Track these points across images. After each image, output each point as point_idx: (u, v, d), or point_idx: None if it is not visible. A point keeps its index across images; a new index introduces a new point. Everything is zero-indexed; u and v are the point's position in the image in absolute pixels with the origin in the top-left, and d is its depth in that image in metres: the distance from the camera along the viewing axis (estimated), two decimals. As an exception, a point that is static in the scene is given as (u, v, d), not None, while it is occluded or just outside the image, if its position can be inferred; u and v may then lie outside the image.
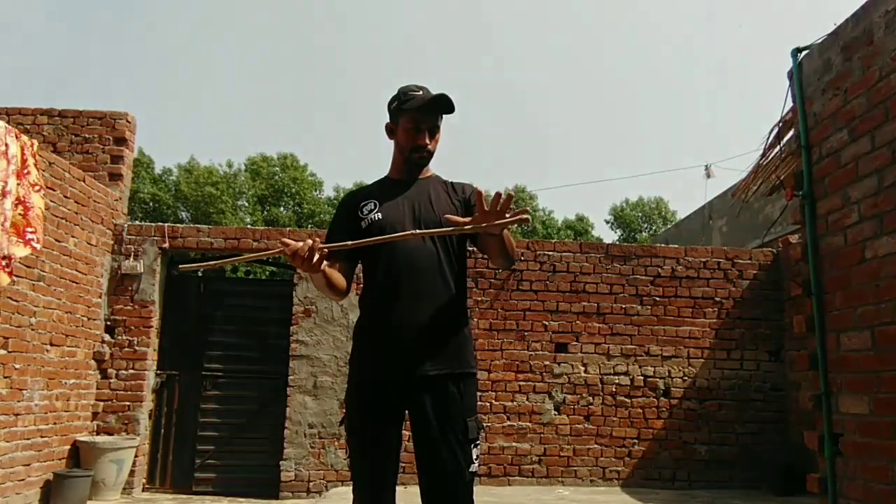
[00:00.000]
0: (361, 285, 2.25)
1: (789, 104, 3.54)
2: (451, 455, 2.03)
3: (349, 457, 2.15)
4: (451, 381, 2.08)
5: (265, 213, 27.71)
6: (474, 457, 2.07)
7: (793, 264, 6.39)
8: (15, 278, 4.87)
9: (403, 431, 2.14)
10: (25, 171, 4.81)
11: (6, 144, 4.62)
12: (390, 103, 2.26)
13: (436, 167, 2.36)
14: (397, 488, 2.13)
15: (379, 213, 2.17)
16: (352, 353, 2.24)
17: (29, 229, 4.77)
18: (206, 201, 25.37)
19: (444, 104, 2.19)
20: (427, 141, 2.22)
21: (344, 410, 2.19)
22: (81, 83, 44.78)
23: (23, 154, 4.81)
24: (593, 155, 49.49)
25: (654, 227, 31.27)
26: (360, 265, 2.25)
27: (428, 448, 2.06)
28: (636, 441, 6.48)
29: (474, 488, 2.10)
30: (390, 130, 2.28)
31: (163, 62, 47.94)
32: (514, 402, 6.46)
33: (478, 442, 2.10)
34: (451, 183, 2.32)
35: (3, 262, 4.51)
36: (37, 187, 4.94)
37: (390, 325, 2.09)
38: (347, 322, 6.40)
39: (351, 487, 2.14)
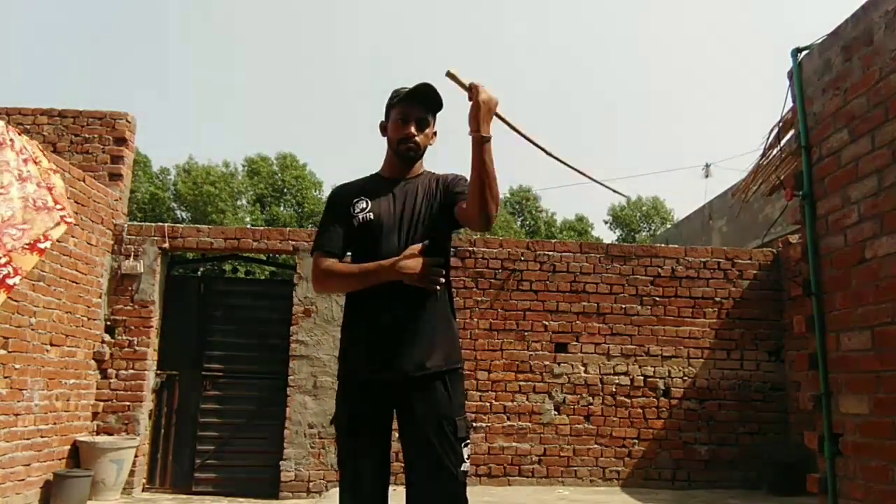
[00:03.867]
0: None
1: (789, 104, 3.54)
2: (443, 455, 2.01)
3: (338, 455, 2.14)
4: (438, 381, 2.07)
5: (265, 212, 27.72)
6: (465, 456, 2.05)
7: (793, 264, 6.39)
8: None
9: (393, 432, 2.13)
10: (37, 160, 4.97)
11: (11, 140, 4.71)
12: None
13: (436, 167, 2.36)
14: (390, 489, 2.12)
15: (370, 213, 2.16)
16: (339, 352, 2.24)
17: (58, 206, 4.91)
18: (205, 201, 25.32)
19: (427, 92, 2.19)
20: (414, 131, 2.21)
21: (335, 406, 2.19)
22: (81, 83, 44.80)
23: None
24: (593, 154, 49.48)
25: (652, 227, 31.29)
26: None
27: (417, 448, 2.05)
28: (636, 441, 6.48)
29: (468, 488, 2.08)
30: (383, 128, 2.30)
31: (162, 62, 47.96)
32: (514, 402, 6.47)
33: (468, 441, 2.08)
34: (440, 176, 2.29)
35: (33, 247, 4.68)
36: (53, 170, 5.17)
37: (375, 325, 2.09)
38: (347, 322, 6.39)
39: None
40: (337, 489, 6.55)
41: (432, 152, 2.32)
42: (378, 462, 2.08)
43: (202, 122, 47.83)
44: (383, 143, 2.30)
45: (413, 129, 2.21)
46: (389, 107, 2.26)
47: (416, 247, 2.07)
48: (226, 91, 48.94)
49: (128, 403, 6.22)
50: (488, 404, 6.39)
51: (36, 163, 4.92)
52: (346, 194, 2.25)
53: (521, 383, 6.50)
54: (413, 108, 2.21)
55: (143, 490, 6.30)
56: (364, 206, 2.18)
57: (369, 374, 2.09)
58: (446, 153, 2.39)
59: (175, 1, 48.07)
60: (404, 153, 2.23)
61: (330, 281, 2.19)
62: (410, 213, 2.17)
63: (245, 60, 48.74)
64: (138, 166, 24.85)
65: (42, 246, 4.79)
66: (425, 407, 2.05)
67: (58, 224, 4.93)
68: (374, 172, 2.33)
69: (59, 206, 4.95)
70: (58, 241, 5.10)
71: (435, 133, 2.31)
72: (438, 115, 2.29)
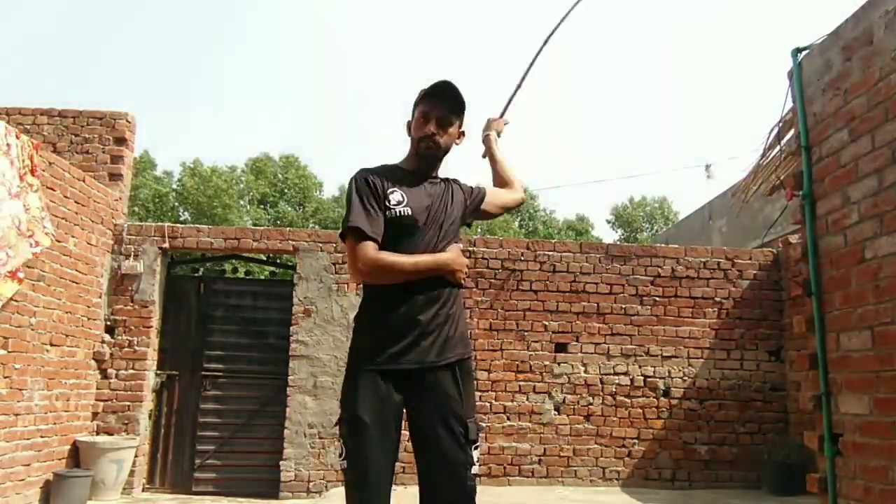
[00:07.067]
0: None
1: (789, 104, 3.53)
2: (454, 457, 2.02)
3: (345, 455, 2.07)
4: (451, 375, 2.08)
5: (271, 211, 27.78)
6: (475, 458, 2.06)
7: (793, 264, 6.39)
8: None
9: (403, 432, 2.13)
10: (22, 173, 4.84)
11: (8, 144, 4.64)
12: None
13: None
14: (399, 488, 2.12)
15: (408, 209, 2.13)
16: (353, 341, 2.20)
17: (28, 232, 4.80)
18: (211, 195, 25.28)
19: (447, 90, 2.20)
20: (434, 129, 2.21)
21: (341, 407, 2.15)
22: (81, 83, 44.79)
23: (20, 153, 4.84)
24: (593, 154, 49.50)
25: (655, 227, 31.28)
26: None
27: (431, 452, 2.05)
28: (636, 441, 6.48)
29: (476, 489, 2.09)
30: (409, 127, 2.30)
31: (164, 62, 47.96)
32: (514, 402, 6.46)
33: (478, 444, 2.09)
34: (464, 185, 2.40)
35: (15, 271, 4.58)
36: (34, 188, 4.97)
37: (408, 316, 2.08)
38: (347, 322, 6.39)
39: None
40: (337, 489, 6.52)
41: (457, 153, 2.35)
42: (390, 457, 2.07)
43: (204, 123, 47.86)
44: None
45: (433, 128, 2.20)
46: (415, 105, 2.27)
47: (459, 246, 2.23)
48: (228, 93, 48.96)
49: (128, 403, 6.22)
50: (488, 404, 6.39)
51: (22, 177, 4.81)
52: (379, 181, 2.17)
53: (521, 383, 6.50)
54: (434, 107, 2.21)
55: (143, 490, 6.30)
56: (400, 199, 2.14)
57: (384, 364, 2.06)
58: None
59: (177, 2, 48.07)
60: (424, 151, 2.23)
61: (391, 275, 2.08)
62: (445, 214, 2.20)
63: (244, 62, 48.78)
64: (146, 164, 24.86)
65: (21, 276, 4.75)
66: (438, 408, 2.05)
67: (29, 257, 4.86)
68: (396, 163, 2.31)
69: (28, 233, 4.83)
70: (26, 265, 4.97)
71: (462, 133, 2.32)
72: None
